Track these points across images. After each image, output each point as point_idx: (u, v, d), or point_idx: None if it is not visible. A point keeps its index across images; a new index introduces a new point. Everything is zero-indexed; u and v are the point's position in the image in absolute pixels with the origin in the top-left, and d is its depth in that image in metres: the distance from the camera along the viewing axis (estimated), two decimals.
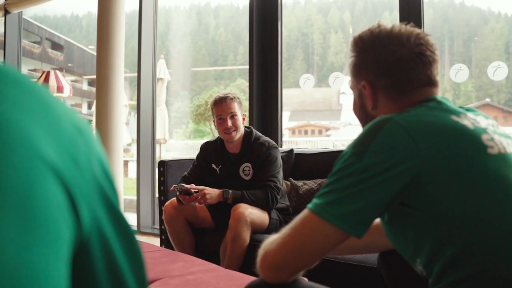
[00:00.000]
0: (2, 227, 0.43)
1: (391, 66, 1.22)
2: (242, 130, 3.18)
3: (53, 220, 0.48)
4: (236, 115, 3.13)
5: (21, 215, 0.45)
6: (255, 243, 2.77)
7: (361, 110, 1.32)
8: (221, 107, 3.13)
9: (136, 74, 5.36)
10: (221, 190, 3.00)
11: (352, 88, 1.34)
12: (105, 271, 0.57)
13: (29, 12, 21.50)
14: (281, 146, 4.38)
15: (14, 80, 0.52)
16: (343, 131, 22.00)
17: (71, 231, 0.51)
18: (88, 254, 0.55)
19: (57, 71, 6.25)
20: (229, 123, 3.10)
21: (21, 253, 0.44)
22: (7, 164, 0.45)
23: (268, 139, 3.21)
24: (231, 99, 3.13)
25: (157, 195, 3.78)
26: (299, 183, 3.44)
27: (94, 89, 5.42)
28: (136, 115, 5.40)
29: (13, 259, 0.43)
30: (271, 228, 2.98)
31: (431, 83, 1.23)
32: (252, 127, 3.28)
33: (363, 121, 1.33)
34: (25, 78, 0.53)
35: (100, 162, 0.58)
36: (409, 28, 1.25)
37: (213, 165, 3.26)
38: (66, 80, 6.25)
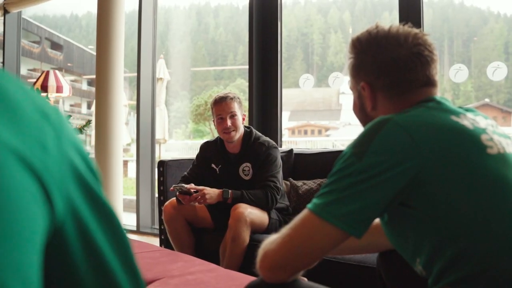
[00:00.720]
0: None
1: (389, 66, 1.22)
2: (242, 130, 3.18)
3: (23, 208, 0.47)
4: (236, 114, 3.13)
5: None
6: (254, 243, 2.77)
7: (361, 111, 1.32)
8: (221, 106, 3.13)
9: (135, 74, 5.37)
10: (220, 190, 3.00)
11: (351, 89, 1.34)
12: (82, 253, 0.57)
13: (29, 12, 21.49)
14: (281, 146, 4.38)
15: None
16: (342, 131, 21.99)
17: (44, 218, 0.50)
18: (63, 238, 0.55)
19: (57, 71, 6.24)
20: (229, 122, 3.10)
21: None
22: None
23: (268, 139, 3.21)
24: (231, 98, 3.14)
25: (156, 195, 3.78)
26: (299, 183, 3.44)
27: (93, 89, 5.42)
28: (135, 115, 5.40)
29: None
30: (271, 228, 2.98)
31: (430, 83, 1.23)
32: (251, 127, 3.29)
33: (363, 122, 1.33)
34: None
35: (75, 146, 0.57)
36: (407, 28, 1.25)
37: (213, 165, 3.26)
38: (65, 80, 6.25)
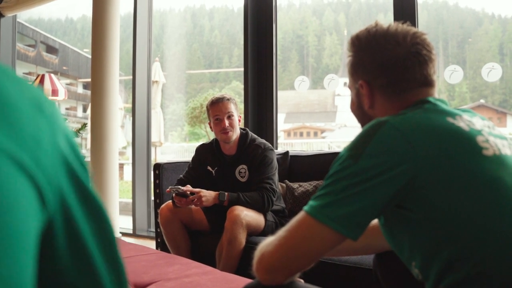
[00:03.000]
0: None
1: (388, 65, 1.22)
2: (238, 131, 3.18)
3: (16, 210, 0.47)
4: (232, 115, 3.13)
5: None
6: (251, 245, 2.77)
7: (359, 109, 1.32)
8: (217, 107, 3.13)
9: (131, 77, 5.36)
10: (216, 192, 3.00)
11: (349, 87, 1.34)
12: (67, 246, 0.57)
13: (24, 16, 21.46)
14: (277, 148, 4.38)
15: None
16: (338, 133, 22.03)
17: (38, 218, 0.50)
18: (51, 230, 0.54)
19: (52, 75, 6.23)
20: (226, 123, 3.10)
21: None
22: None
23: (263, 141, 3.21)
24: (228, 99, 3.14)
25: (152, 198, 3.78)
26: (295, 185, 3.44)
27: (89, 92, 5.42)
28: (131, 118, 5.39)
29: None
30: (267, 230, 2.98)
31: (428, 82, 1.23)
32: (247, 129, 3.29)
33: (361, 120, 1.33)
34: None
35: (67, 139, 0.57)
36: (406, 27, 1.25)
37: (209, 167, 3.26)
38: (61, 83, 6.24)
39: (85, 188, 0.59)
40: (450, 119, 1.14)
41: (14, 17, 6.77)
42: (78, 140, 5.50)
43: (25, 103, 0.52)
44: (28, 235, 0.49)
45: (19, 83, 0.53)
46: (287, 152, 3.72)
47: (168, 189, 2.98)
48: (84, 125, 5.20)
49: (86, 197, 0.59)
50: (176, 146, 21.44)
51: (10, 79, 0.52)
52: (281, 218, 3.17)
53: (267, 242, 1.11)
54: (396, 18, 3.70)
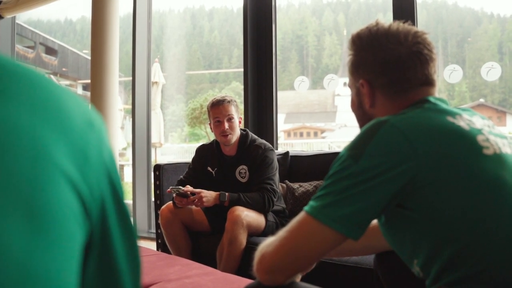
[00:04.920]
0: (8, 228, 0.44)
1: (389, 64, 1.22)
2: (238, 133, 3.18)
3: (65, 222, 0.49)
4: (233, 117, 3.13)
5: (29, 218, 0.46)
6: (251, 246, 2.77)
7: (359, 109, 1.32)
8: (218, 109, 3.13)
9: (130, 78, 5.36)
10: (217, 193, 3.00)
11: (350, 86, 1.34)
12: (100, 255, 0.58)
13: (23, 17, 21.43)
14: (277, 149, 4.38)
15: (23, 76, 0.52)
16: (338, 133, 22.00)
17: (82, 231, 0.52)
18: (90, 242, 0.56)
19: (52, 76, 6.23)
20: (226, 125, 3.10)
21: (28, 253, 0.45)
22: (16, 169, 0.46)
23: (264, 141, 3.21)
24: (228, 101, 3.14)
25: (153, 199, 3.77)
26: (295, 185, 3.44)
27: (88, 94, 5.42)
28: (131, 119, 5.39)
29: (20, 258, 0.44)
30: (268, 231, 2.98)
31: (428, 82, 1.23)
32: (247, 130, 3.29)
33: (361, 120, 1.33)
34: (33, 73, 0.53)
35: (109, 153, 0.60)
36: (407, 26, 1.25)
37: (209, 168, 3.26)
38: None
39: (121, 201, 0.62)
40: (450, 119, 1.14)
41: (13, 18, 6.77)
42: None
43: (80, 119, 0.55)
44: (74, 246, 0.51)
45: (75, 99, 0.57)
46: (287, 153, 3.73)
47: (168, 189, 2.98)
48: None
49: (121, 210, 0.61)
50: (176, 147, 21.40)
51: (68, 96, 0.56)
52: (282, 218, 3.17)
53: (267, 243, 1.11)
54: (396, 17, 3.71)
